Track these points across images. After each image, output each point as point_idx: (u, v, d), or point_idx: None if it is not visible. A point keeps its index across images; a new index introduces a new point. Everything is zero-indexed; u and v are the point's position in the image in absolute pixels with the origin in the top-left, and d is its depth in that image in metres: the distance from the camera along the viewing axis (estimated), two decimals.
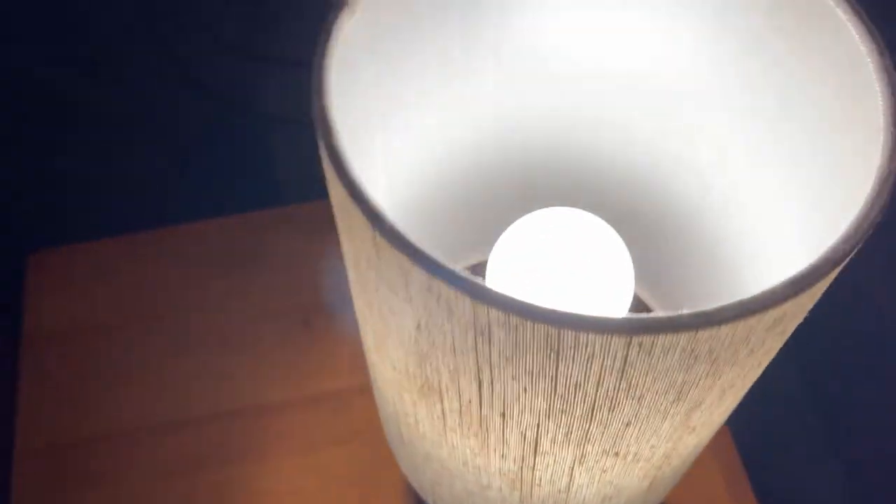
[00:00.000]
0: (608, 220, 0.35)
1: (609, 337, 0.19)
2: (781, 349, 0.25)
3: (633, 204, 0.39)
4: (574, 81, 0.35)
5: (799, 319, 0.23)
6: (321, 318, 0.63)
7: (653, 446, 0.27)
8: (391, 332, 0.25)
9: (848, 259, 0.21)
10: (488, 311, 0.20)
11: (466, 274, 0.20)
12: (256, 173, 0.69)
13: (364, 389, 0.49)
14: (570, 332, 0.19)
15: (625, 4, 0.31)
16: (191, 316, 0.63)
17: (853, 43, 0.24)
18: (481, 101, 0.35)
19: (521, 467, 0.28)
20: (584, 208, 0.35)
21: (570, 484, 0.29)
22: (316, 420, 0.58)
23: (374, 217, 0.21)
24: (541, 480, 0.29)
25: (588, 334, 0.19)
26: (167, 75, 0.61)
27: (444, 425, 0.28)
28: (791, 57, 0.27)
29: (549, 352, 0.20)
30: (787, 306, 0.20)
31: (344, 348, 0.61)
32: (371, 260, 0.22)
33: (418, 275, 0.20)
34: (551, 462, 0.27)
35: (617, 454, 0.27)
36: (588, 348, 0.20)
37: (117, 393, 0.59)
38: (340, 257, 0.29)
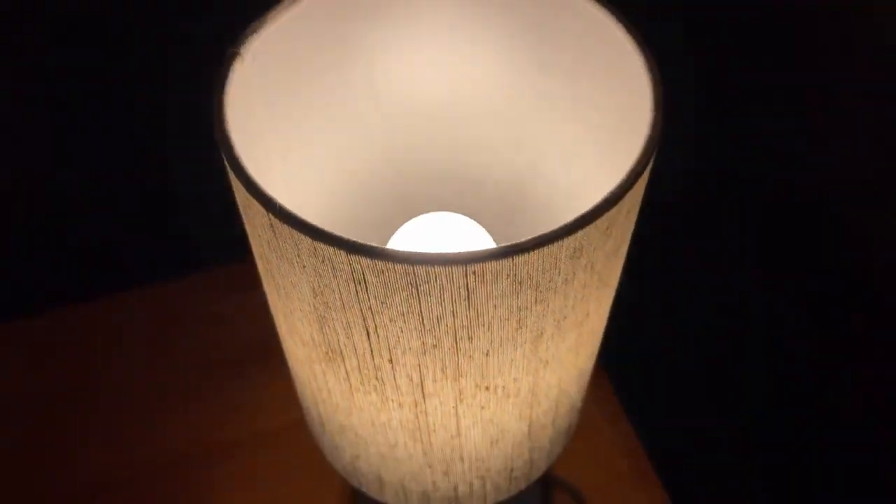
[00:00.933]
0: (486, 223, 0.42)
1: (451, 268, 0.26)
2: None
3: (507, 207, 0.46)
4: (438, 109, 0.43)
5: (602, 254, 0.30)
6: (252, 364, 0.69)
7: (515, 379, 0.33)
8: (294, 307, 0.32)
9: (616, 205, 0.28)
10: (360, 261, 0.26)
11: (340, 234, 0.26)
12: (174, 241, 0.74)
13: (299, 423, 0.55)
14: (422, 268, 0.26)
15: (473, 42, 0.39)
16: (124, 377, 0.68)
17: (628, 55, 0.32)
18: (365, 133, 0.43)
19: (416, 414, 0.34)
20: (466, 213, 0.42)
21: (458, 426, 0.35)
22: (260, 456, 0.63)
23: (267, 202, 0.27)
24: (435, 426, 0.35)
25: (435, 267, 0.26)
26: None
27: (350, 387, 0.34)
28: (575, 66, 0.36)
29: (411, 289, 0.27)
30: (580, 236, 0.27)
31: (276, 389, 0.67)
32: (270, 242, 0.29)
33: (305, 242, 0.27)
34: (438, 404, 0.34)
35: (488, 388, 0.33)
36: (438, 280, 0.27)
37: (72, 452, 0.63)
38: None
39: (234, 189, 0.30)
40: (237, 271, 0.62)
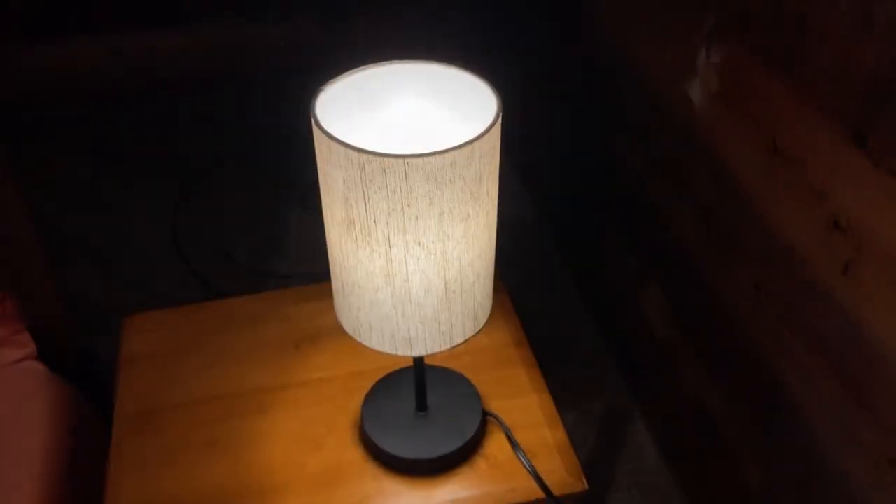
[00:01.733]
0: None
1: (397, 160, 0.65)
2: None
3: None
4: (414, 124, 0.83)
5: (469, 172, 0.68)
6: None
7: (432, 241, 0.70)
8: (333, 196, 0.70)
9: (470, 144, 0.66)
10: (361, 157, 0.65)
11: (355, 144, 0.65)
12: None
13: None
14: (388, 160, 0.65)
15: (426, 100, 0.80)
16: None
17: (484, 91, 0.72)
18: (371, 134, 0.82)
19: (386, 261, 0.71)
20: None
21: (407, 272, 0.72)
22: (301, 395, 0.99)
23: (328, 134, 0.67)
24: (396, 272, 0.72)
25: (392, 160, 0.65)
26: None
27: (357, 245, 0.72)
28: (466, 101, 0.75)
29: (383, 173, 0.65)
30: (454, 153, 0.66)
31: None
32: (326, 157, 0.68)
33: (341, 150, 0.66)
34: (396, 252, 0.70)
35: (419, 244, 0.70)
36: (393, 168, 0.65)
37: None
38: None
39: (317, 141, 0.70)
40: None
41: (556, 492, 0.85)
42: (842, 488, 0.95)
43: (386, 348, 0.77)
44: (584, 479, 0.89)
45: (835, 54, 0.85)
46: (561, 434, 0.93)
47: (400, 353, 0.77)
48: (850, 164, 0.84)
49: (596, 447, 1.51)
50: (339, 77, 0.74)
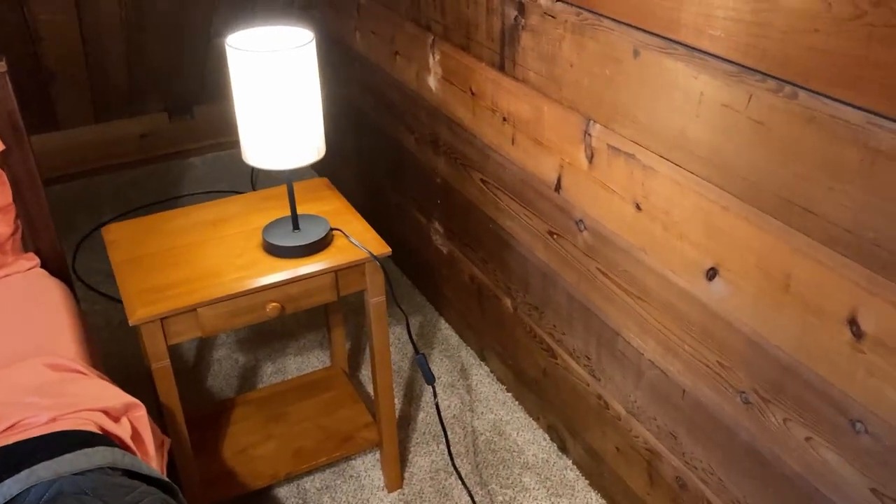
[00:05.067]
0: None
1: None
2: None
3: None
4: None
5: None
6: None
7: None
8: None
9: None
10: None
11: None
12: None
13: None
14: None
15: None
16: None
17: None
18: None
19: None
20: None
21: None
22: (230, 233, 1.63)
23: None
24: None
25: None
26: None
27: None
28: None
29: None
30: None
31: None
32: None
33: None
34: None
35: None
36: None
37: None
38: None
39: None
40: None
41: (375, 252, 1.53)
42: (528, 263, 1.72)
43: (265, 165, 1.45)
44: (387, 245, 1.56)
45: (482, 31, 1.67)
46: (373, 234, 1.61)
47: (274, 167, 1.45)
48: (500, 81, 1.66)
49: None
50: None
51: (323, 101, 1.46)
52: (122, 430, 1.20)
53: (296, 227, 1.52)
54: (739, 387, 1.23)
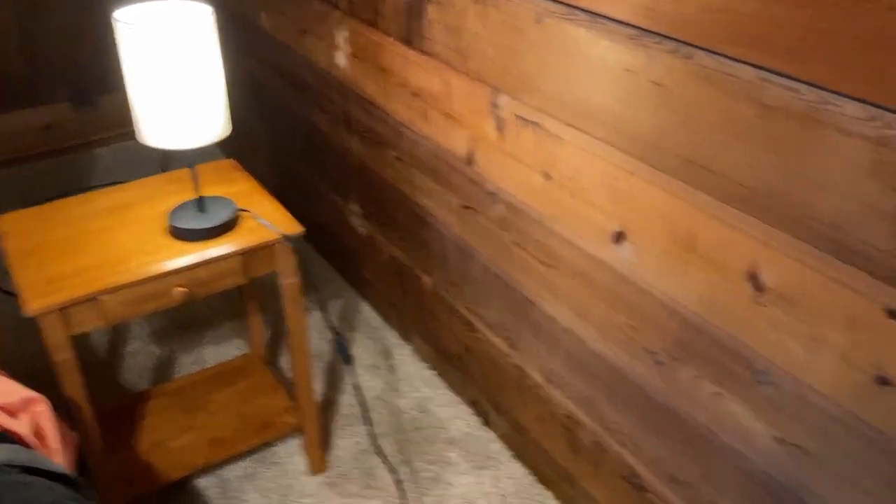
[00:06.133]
0: None
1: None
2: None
3: None
4: None
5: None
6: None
7: None
8: None
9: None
10: None
11: None
12: None
13: None
14: None
15: None
16: None
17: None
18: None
19: None
20: None
21: None
22: (134, 218, 1.57)
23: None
24: None
25: None
26: None
27: None
28: None
29: None
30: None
31: None
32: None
33: None
34: None
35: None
36: None
37: None
38: None
39: None
40: None
41: (287, 232, 1.50)
42: (445, 239, 1.71)
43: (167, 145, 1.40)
44: (299, 224, 1.53)
45: (389, 5, 1.65)
46: (284, 214, 1.59)
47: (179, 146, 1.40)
48: (408, 56, 1.64)
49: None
50: None
51: (230, 81, 1.42)
52: (21, 426, 1.14)
53: (201, 209, 1.47)
54: (651, 348, 1.25)
